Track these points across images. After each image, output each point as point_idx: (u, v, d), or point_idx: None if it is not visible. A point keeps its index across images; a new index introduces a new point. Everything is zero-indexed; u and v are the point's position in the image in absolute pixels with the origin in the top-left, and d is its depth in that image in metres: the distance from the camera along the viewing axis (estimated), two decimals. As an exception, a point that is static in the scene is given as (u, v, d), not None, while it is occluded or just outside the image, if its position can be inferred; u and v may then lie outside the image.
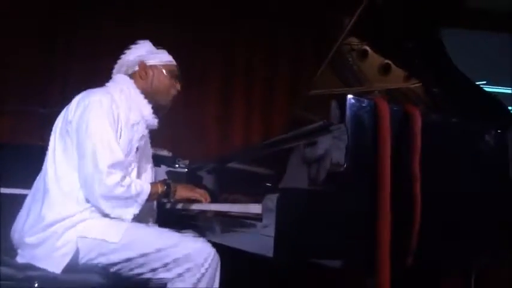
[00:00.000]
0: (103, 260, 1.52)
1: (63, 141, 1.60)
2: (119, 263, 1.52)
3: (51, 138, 1.65)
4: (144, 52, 1.79)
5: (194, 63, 3.31)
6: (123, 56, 1.81)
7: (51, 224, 1.51)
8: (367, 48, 1.88)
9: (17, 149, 2.51)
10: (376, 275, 1.16)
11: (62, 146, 1.60)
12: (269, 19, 3.49)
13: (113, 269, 1.54)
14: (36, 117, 2.67)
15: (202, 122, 3.40)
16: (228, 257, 1.55)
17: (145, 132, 1.76)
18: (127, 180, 1.56)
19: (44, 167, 1.64)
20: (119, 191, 1.53)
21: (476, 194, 1.38)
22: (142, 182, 1.64)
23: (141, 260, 1.51)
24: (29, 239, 1.52)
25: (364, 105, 1.21)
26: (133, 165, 1.69)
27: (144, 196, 1.59)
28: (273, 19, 3.49)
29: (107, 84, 1.77)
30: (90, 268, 1.51)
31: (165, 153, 2.51)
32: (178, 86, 1.84)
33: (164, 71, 1.80)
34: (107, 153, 1.53)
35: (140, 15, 3.24)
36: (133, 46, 1.81)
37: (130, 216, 1.56)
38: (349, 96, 1.21)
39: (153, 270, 1.52)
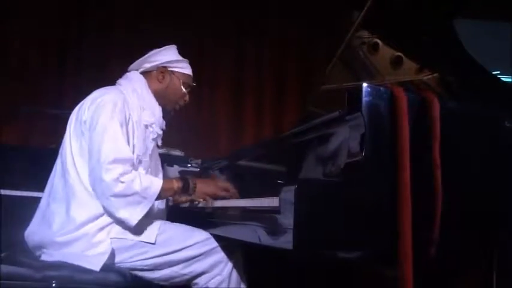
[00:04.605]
0: (138, 259, 1.54)
1: (78, 142, 1.60)
2: (154, 262, 1.55)
3: (66, 137, 1.64)
4: (171, 58, 1.80)
5: (204, 64, 3.32)
6: (148, 55, 1.81)
7: (84, 224, 1.52)
8: (378, 41, 1.86)
9: (26, 151, 2.54)
10: (398, 266, 1.13)
11: (78, 147, 1.60)
12: (278, 17, 3.49)
13: (145, 266, 1.56)
14: (49, 119, 2.70)
15: (214, 122, 3.41)
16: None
17: (160, 132, 1.77)
18: (129, 175, 1.50)
19: (59, 166, 1.63)
20: (119, 188, 1.48)
21: (496, 182, 1.35)
22: (152, 177, 1.62)
23: (177, 255, 1.56)
24: (60, 239, 1.52)
25: (380, 93, 1.18)
26: (148, 167, 1.69)
27: (154, 191, 1.54)
28: (282, 17, 3.49)
29: (119, 81, 1.78)
30: (120, 268, 1.53)
31: (177, 153, 2.52)
32: (187, 98, 1.86)
33: (181, 80, 1.81)
34: (111, 150, 1.51)
35: (150, 16, 3.26)
36: (162, 49, 1.82)
37: (139, 217, 1.51)
38: (365, 84, 1.19)
39: (185, 261, 1.56)
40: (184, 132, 3.07)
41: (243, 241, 1.39)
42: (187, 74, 1.84)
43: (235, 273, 1.60)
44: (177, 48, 1.87)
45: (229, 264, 1.59)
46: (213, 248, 1.59)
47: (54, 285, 1.41)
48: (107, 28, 3.30)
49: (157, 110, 1.76)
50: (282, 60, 3.53)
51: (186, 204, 1.85)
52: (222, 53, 3.44)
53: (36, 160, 2.33)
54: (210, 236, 1.61)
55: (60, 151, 1.66)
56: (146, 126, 1.70)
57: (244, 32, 3.49)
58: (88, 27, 3.28)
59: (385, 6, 1.68)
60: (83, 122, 1.60)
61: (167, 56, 1.80)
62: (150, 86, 1.76)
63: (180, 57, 1.84)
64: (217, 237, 1.60)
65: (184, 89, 1.82)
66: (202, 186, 1.67)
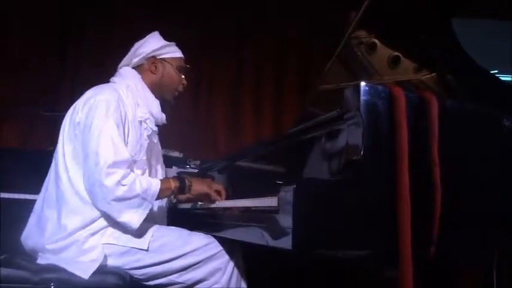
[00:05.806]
0: (132, 267, 1.51)
1: (71, 145, 1.55)
2: (149, 272, 1.52)
3: (59, 140, 1.60)
4: (157, 45, 1.75)
5: (203, 65, 3.32)
6: (134, 48, 1.77)
7: (75, 231, 1.49)
8: (376, 40, 1.86)
9: (23, 154, 2.53)
10: (398, 266, 1.13)
11: (71, 151, 1.55)
12: (278, 17, 3.49)
13: (141, 275, 1.52)
14: (45, 121, 2.69)
15: (212, 122, 3.41)
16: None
17: (155, 128, 1.72)
18: (129, 178, 1.46)
19: (53, 171, 1.59)
20: (121, 191, 1.44)
21: (496, 182, 1.34)
22: (149, 178, 1.58)
23: (172, 264, 1.52)
24: (51, 246, 1.49)
25: (378, 92, 1.18)
26: (144, 166, 1.65)
27: (153, 192, 1.51)
28: (281, 17, 3.49)
29: (113, 79, 1.74)
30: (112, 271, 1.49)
31: (176, 154, 2.52)
32: (184, 81, 1.82)
33: (174, 65, 1.78)
34: (109, 152, 1.46)
35: (149, 20, 3.25)
36: (145, 38, 1.78)
37: (141, 219, 1.48)
38: (363, 83, 1.18)
39: (181, 270, 1.52)
40: (183, 134, 3.07)
41: (243, 241, 1.39)
42: (178, 57, 1.80)
43: (234, 278, 1.56)
44: (177, 48, 1.83)
45: (228, 271, 1.55)
46: (213, 255, 1.54)
47: (52, 287, 1.40)
48: (107, 28, 3.30)
49: (155, 105, 1.71)
50: (280, 60, 3.53)
51: (188, 205, 1.84)
52: (221, 52, 3.44)
53: (34, 162, 2.31)
54: (210, 241, 1.56)
55: (54, 155, 1.62)
56: (140, 123, 1.65)
57: (243, 31, 3.50)
58: (88, 28, 3.28)
59: (383, 5, 1.68)
60: (76, 123, 1.55)
61: (152, 44, 1.75)
62: (144, 80, 1.72)
63: (166, 42, 1.78)
64: (221, 240, 1.58)
65: (179, 73, 1.78)
66: (197, 185, 1.64)
